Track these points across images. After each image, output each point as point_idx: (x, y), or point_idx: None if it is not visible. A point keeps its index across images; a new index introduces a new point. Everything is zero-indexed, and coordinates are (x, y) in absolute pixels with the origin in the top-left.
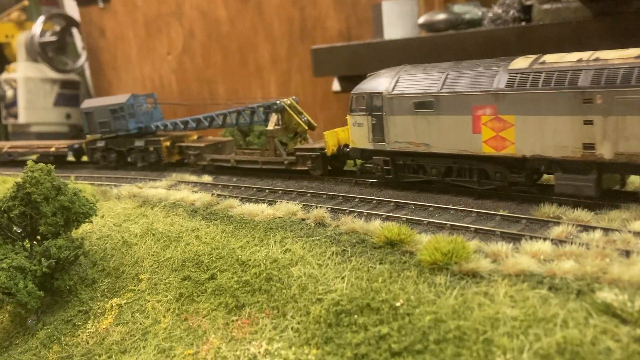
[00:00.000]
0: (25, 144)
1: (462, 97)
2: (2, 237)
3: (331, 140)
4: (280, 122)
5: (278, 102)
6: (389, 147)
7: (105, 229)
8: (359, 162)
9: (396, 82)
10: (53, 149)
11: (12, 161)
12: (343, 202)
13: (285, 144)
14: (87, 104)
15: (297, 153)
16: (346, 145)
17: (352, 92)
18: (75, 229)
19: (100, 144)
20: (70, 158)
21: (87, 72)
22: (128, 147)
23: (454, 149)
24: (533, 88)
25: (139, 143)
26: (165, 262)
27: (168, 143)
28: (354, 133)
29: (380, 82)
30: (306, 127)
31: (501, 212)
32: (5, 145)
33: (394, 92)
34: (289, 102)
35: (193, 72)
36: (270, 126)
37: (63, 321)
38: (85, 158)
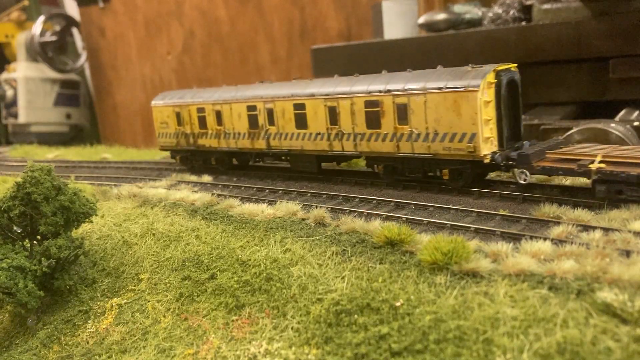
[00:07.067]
0: None
1: None
2: (2, 237)
3: None
4: None
5: None
6: None
7: (105, 229)
8: None
9: None
10: None
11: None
12: (343, 202)
13: None
14: None
15: None
16: None
17: None
18: (75, 228)
19: None
20: None
21: (87, 72)
22: None
23: None
24: None
25: None
26: (165, 261)
27: None
28: None
29: None
30: None
31: (501, 212)
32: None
33: None
34: None
35: (193, 72)
36: None
37: (63, 321)
38: None
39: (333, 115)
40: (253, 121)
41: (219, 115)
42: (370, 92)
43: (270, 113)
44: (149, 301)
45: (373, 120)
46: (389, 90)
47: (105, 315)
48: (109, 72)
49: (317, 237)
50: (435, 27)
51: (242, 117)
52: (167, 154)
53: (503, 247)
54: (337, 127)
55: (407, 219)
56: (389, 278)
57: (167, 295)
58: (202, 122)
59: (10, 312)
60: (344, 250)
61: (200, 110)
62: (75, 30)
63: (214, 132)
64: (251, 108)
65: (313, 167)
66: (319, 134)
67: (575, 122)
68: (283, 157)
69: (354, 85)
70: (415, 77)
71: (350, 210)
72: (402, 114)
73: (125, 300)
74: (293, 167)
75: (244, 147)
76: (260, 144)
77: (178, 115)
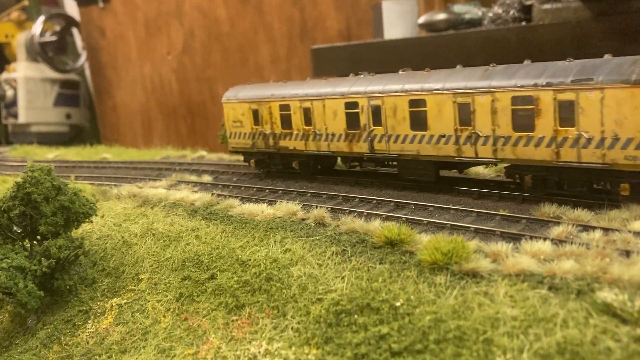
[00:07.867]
0: None
1: None
2: (2, 237)
3: None
4: None
5: None
6: None
7: (105, 229)
8: None
9: None
10: None
11: None
12: (343, 202)
13: None
14: None
15: None
16: None
17: None
18: (75, 228)
19: None
20: None
21: (87, 72)
22: None
23: None
24: None
25: None
26: (165, 262)
27: None
28: None
29: None
30: None
31: (501, 212)
32: None
33: None
34: None
35: (193, 72)
36: None
37: (63, 321)
38: None
39: (465, 114)
40: (352, 120)
41: (307, 113)
42: (520, 87)
43: (376, 111)
44: (149, 301)
45: (523, 120)
46: (548, 84)
47: (105, 315)
48: (109, 72)
49: (317, 237)
50: (435, 27)
51: (338, 115)
52: (166, 154)
53: (503, 247)
54: (470, 128)
55: (407, 219)
56: (389, 278)
57: (167, 295)
58: (286, 120)
59: (10, 312)
60: (344, 250)
61: (284, 107)
62: (75, 30)
63: (301, 132)
64: (350, 105)
65: (429, 175)
66: (443, 136)
67: None
68: (387, 163)
69: (494, 78)
70: (582, 68)
71: (350, 210)
72: (567, 113)
73: (125, 300)
74: (402, 175)
75: (339, 150)
76: (361, 147)
77: (255, 112)
